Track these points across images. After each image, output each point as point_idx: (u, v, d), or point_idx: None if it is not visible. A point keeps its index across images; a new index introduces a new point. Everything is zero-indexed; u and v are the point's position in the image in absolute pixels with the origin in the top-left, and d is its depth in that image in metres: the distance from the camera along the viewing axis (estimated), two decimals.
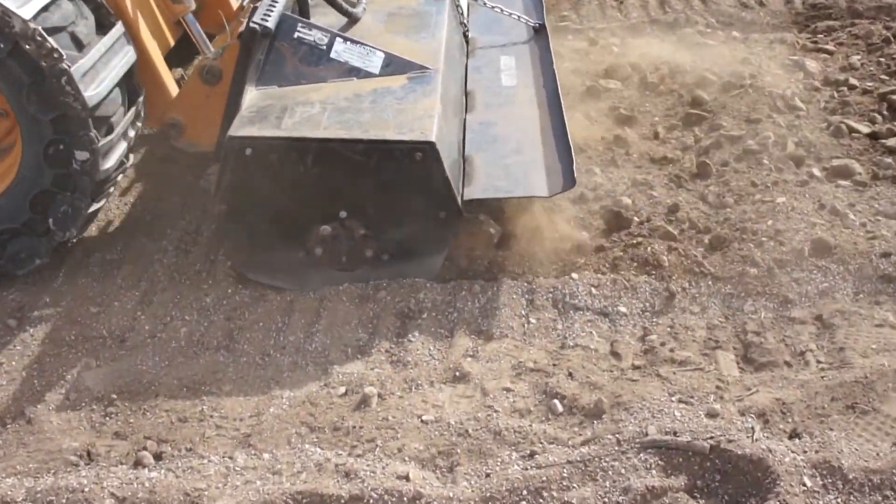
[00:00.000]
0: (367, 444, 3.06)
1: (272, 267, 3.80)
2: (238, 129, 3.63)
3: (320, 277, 3.77)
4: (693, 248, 3.92)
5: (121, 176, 4.14)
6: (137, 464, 3.01)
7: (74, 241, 4.03)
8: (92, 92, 3.62)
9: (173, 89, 4.18)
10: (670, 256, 3.87)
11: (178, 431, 3.15)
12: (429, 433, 3.07)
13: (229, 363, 3.46)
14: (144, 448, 3.08)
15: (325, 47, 4.02)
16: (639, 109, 5.10)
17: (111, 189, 4.10)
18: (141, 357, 3.50)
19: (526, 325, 3.58)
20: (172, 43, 4.34)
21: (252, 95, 3.86)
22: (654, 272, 3.81)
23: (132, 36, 3.97)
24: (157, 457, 3.06)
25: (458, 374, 3.33)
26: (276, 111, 3.73)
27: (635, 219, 4.10)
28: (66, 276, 3.98)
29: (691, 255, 3.87)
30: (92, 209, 3.88)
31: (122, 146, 3.92)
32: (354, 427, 3.12)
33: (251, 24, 3.82)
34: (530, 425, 3.07)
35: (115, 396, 3.30)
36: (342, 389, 3.29)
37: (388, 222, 3.70)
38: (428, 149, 3.53)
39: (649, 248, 3.90)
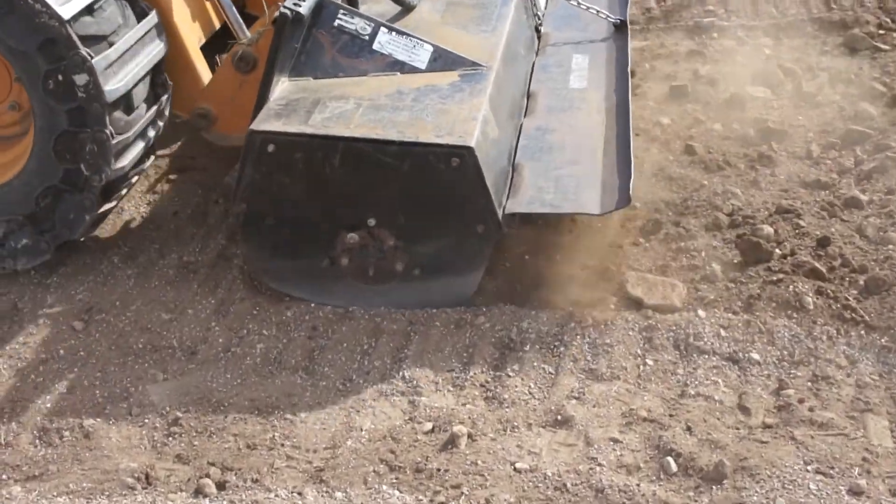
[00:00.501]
0: (452, 491, 2.98)
1: (294, 275, 3.79)
2: (261, 123, 3.61)
3: (345, 290, 3.75)
4: (845, 290, 3.68)
5: (136, 178, 4.18)
6: (198, 492, 3.01)
7: (82, 239, 4.10)
8: (113, 87, 3.66)
9: (206, 77, 4.18)
10: (816, 298, 3.64)
11: (246, 459, 3.13)
12: (522, 484, 2.98)
13: (307, 386, 3.44)
14: (207, 475, 3.07)
15: (367, 38, 3.96)
16: (790, 123, 4.86)
17: (124, 191, 4.13)
18: (212, 373, 3.52)
19: (641, 367, 3.44)
20: (217, 25, 4.35)
21: (284, 87, 3.83)
22: (795, 315, 3.59)
23: (166, 22, 4.00)
24: (220, 486, 3.04)
25: (559, 417, 3.23)
26: (306, 105, 3.70)
27: (777, 251, 3.89)
28: (139, 278, 4.04)
29: (842, 297, 3.63)
30: (101, 210, 3.93)
31: (140, 146, 3.95)
32: (439, 470, 3.05)
33: (282, 9, 3.76)
34: (638, 485, 2.94)
35: (180, 415, 3.31)
36: (429, 426, 3.23)
37: (421, 233, 3.65)
38: (466, 154, 3.47)
39: (791, 287, 3.69)
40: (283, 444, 3.18)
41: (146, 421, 3.31)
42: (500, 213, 3.61)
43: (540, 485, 2.97)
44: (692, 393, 3.32)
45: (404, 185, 3.57)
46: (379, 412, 3.31)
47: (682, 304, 3.70)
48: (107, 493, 3.01)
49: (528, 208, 3.68)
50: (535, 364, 3.47)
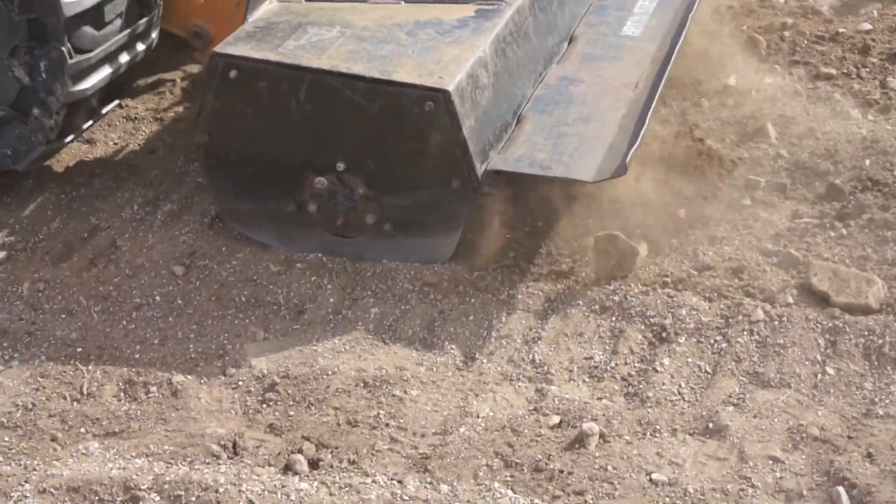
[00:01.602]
0: (574, 498, 2.89)
1: (258, 218, 3.87)
2: (226, 46, 3.64)
3: (312, 240, 3.83)
4: None
5: (107, 108, 4.20)
6: (288, 469, 3.01)
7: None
8: None
9: None
10: None
11: (345, 437, 3.12)
12: (656, 498, 2.87)
13: (422, 361, 3.42)
14: (300, 451, 3.07)
15: None
16: None
17: (89, 122, 4.15)
18: (318, 336, 3.53)
19: (819, 376, 3.25)
20: None
21: (269, 8, 3.85)
22: None
23: None
24: (313, 464, 3.04)
25: (711, 425, 3.10)
26: (286, 29, 3.75)
27: None
28: None
29: None
30: (56, 141, 3.97)
31: (106, 70, 3.94)
32: (562, 472, 2.97)
33: None
34: None
35: (277, 380, 3.32)
36: (555, 419, 3.16)
37: (393, 184, 3.69)
38: (441, 99, 3.47)
39: None
40: (387, 424, 3.16)
41: (240, 383, 3.34)
42: (479, 168, 3.58)
43: (678, 501, 2.84)
44: (880, 413, 3.12)
45: (375, 128, 3.60)
46: (500, 398, 3.26)
47: (878, 306, 3.48)
48: (189, 458, 3.05)
49: (511, 166, 3.67)
50: (690, 360, 3.36)
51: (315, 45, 3.69)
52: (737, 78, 4.90)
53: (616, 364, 3.36)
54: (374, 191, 3.71)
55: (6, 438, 3.12)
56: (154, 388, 3.32)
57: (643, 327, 3.48)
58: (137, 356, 3.46)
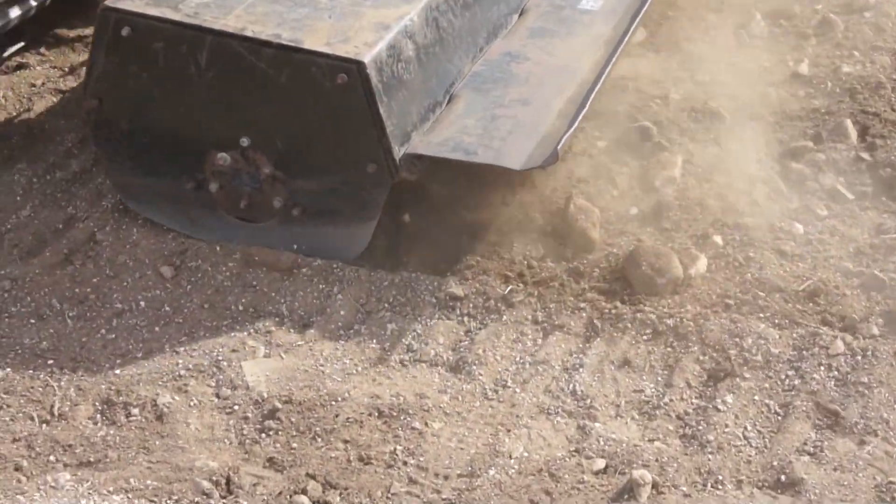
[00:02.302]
0: None
1: (153, 196, 3.84)
2: (119, 0, 3.60)
3: (214, 223, 3.80)
4: None
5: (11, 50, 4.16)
6: None
7: None
8: None
9: None
10: None
11: (356, 476, 2.98)
12: None
13: (447, 387, 3.29)
14: (304, 491, 2.93)
15: None
16: None
17: None
18: (327, 354, 3.40)
19: None
20: None
21: None
22: None
23: None
24: None
25: (783, 478, 2.97)
26: None
27: None
28: None
29: None
30: None
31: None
32: None
33: None
34: None
35: (279, 405, 3.18)
36: (600, 463, 3.04)
37: (303, 165, 3.67)
38: (355, 71, 3.43)
39: None
40: (405, 462, 3.03)
41: (236, 407, 3.19)
42: (398, 151, 3.55)
43: None
44: None
45: (282, 101, 3.56)
46: (536, 435, 3.14)
47: None
48: (175, 496, 2.89)
49: (433, 150, 3.63)
50: (757, 398, 3.24)
51: (222, 5, 3.65)
52: (809, 65, 4.70)
53: (670, 400, 3.23)
54: (281, 171, 3.67)
55: None
56: (136, 411, 3.16)
57: (702, 357, 3.35)
58: (118, 371, 3.31)
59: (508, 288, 3.59)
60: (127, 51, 3.60)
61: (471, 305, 3.56)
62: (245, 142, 3.63)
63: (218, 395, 3.23)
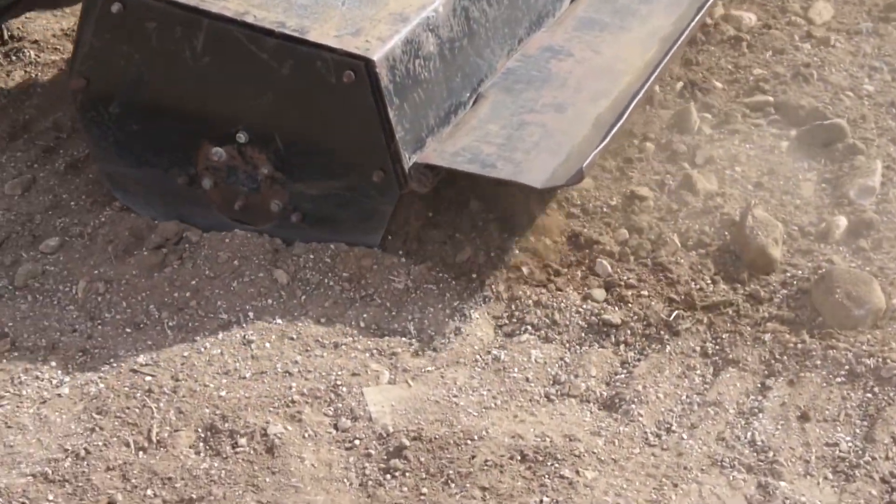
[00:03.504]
0: None
1: (142, 188, 3.87)
2: None
3: (207, 222, 3.82)
4: None
5: None
6: None
7: None
8: None
9: None
10: None
11: None
12: None
13: (601, 429, 3.17)
14: None
15: None
16: None
17: None
18: (461, 383, 3.30)
19: None
20: None
21: None
22: None
23: None
24: None
25: None
26: None
27: None
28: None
29: None
30: None
31: None
32: None
33: None
34: None
35: (406, 442, 3.09)
36: None
37: (304, 167, 3.67)
38: (362, 69, 3.42)
39: None
40: None
41: (357, 442, 3.10)
42: (408, 159, 3.53)
43: None
44: None
45: (284, 97, 3.57)
46: (708, 492, 2.99)
47: None
48: None
49: (446, 161, 3.60)
50: None
51: None
52: None
53: (872, 458, 3.05)
54: (281, 173, 3.69)
55: (50, 496, 2.92)
56: (243, 441, 3.08)
57: None
58: (223, 393, 3.23)
59: (673, 313, 3.47)
60: (117, 29, 3.62)
61: (628, 332, 3.44)
62: (242, 137, 3.65)
63: (336, 427, 3.14)
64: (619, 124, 3.55)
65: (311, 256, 3.67)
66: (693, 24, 4.04)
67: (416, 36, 3.56)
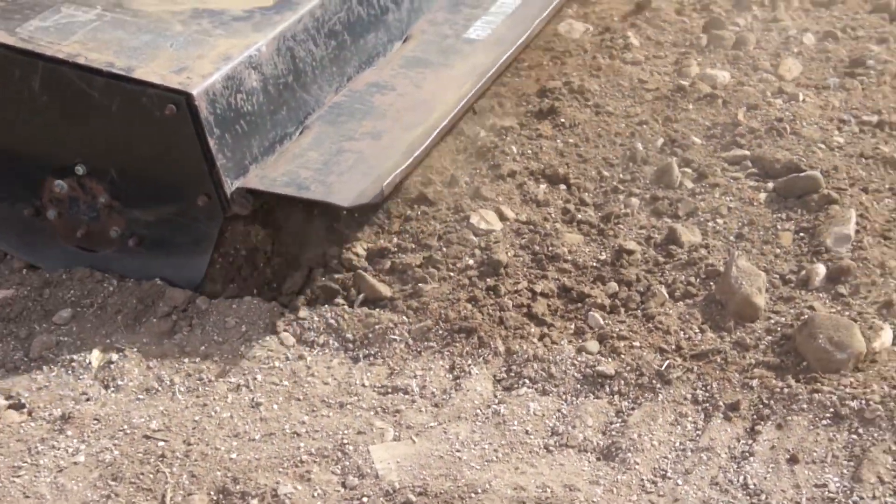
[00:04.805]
0: None
1: None
2: None
3: (55, 251, 3.84)
4: None
5: None
6: None
7: None
8: None
9: None
10: None
11: None
12: None
13: (599, 477, 3.04)
14: None
15: None
16: None
17: None
18: (463, 437, 3.17)
19: None
20: None
21: None
22: None
23: None
24: None
25: None
26: (37, 6, 3.78)
27: None
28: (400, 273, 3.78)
29: None
30: None
31: None
32: None
33: None
34: None
35: (413, 498, 2.96)
36: None
37: (138, 195, 3.69)
38: (184, 102, 3.46)
39: None
40: None
41: (365, 499, 2.97)
42: (230, 185, 3.57)
43: None
44: None
45: (116, 130, 3.60)
46: None
47: None
48: None
49: (265, 185, 3.64)
50: None
51: (62, 28, 3.71)
52: None
53: (861, 497, 2.92)
54: (117, 201, 3.72)
55: None
56: (255, 502, 2.96)
57: (894, 447, 3.03)
58: (234, 455, 3.11)
59: (664, 363, 3.34)
60: None
61: (622, 382, 3.31)
62: (81, 170, 3.68)
63: (344, 485, 3.01)
64: (420, 149, 3.74)
65: (316, 318, 3.57)
66: (499, 63, 4.26)
67: (238, 73, 3.62)
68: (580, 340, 3.47)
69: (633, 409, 3.24)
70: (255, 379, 3.38)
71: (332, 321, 3.56)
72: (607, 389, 3.30)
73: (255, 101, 3.70)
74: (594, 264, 3.76)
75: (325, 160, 3.75)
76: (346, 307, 3.61)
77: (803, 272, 3.62)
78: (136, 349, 3.50)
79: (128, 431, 3.20)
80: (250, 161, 3.68)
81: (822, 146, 4.20)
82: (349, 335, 3.52)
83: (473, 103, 4.12)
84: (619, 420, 3.21)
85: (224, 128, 3.56)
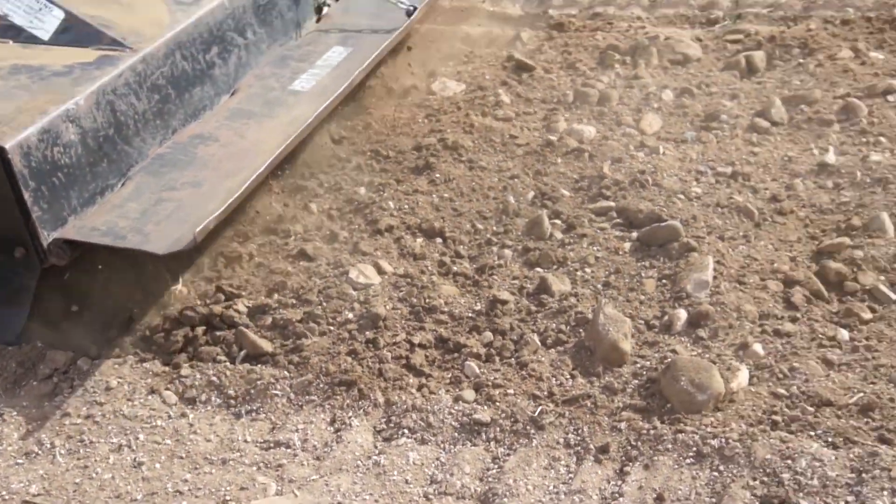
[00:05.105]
0: None
1: None
2: None
3: None
4: None
5: None
6: None
7: None
8: None
9: None
10: None
11: None
12: None
13: None
14: None
15: None
16: None
17: None
18: (345, 489, 3.16)
19: None
20: None
21: None
22: None
23: None
24: None
25: None
26: None
27: None
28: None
29: None
30: None
31: None
32: None
33: None
34: None
35: None
36: None
37: None
38: None
39: None
40: None
41: None
42: (47, 237, 3.53)
43: None
44: None
45: None
46: None
47: None
48: None
49: (83, 235, 3.60)
50: None
51: None
52: (836, 154, 4.56)
53: None
54: None
55: None
56: None
57: (752, 482, 3.08)
58: None
59: (538, 409, 3.37)
60: None
61: (497, 429, 3.32)
62: None
63: None
64: (234, 197, 3.71)
65: (199, 376, 3.53)
66: (316, 113, 4.29)
67: (55, 126, 3.58)
68: (457, 389, 3.48)
69: (508, 454, 3.25)
70: (138, 439, 3.33)
71: (214, 378, 3.52)
72: (483, 437, 3.31)
73: (73, 153, 3.66)
74: (470, 315, 3.79)
75: (143, 210, 3.71)
76: (227, 364, 3.59)
77: (666, 317, 3.70)
78: (15, 413, 3.42)
79: (6, 497, 3.12)
80: (69, 212, 3.64)
81: (682, 196, 4.31)
82: (231, 391, 3.48)
83: (285, 151, 4.13)
84: (496, 466, 3.22)
85: (40, 180, 3.51)
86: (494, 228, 4.25)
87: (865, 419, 3.26)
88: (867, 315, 3.68)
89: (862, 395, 3.33)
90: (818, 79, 5.25)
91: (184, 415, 3.42)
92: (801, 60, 5.47)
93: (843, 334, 3.59)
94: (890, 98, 4.98)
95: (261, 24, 4.69)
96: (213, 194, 3.78)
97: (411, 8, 5.03)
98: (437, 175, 4.57)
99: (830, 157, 4.54)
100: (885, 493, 3.01)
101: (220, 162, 4.00)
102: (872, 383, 3.38)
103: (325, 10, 5.03)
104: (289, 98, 4.45)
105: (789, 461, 3.11)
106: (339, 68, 4.65)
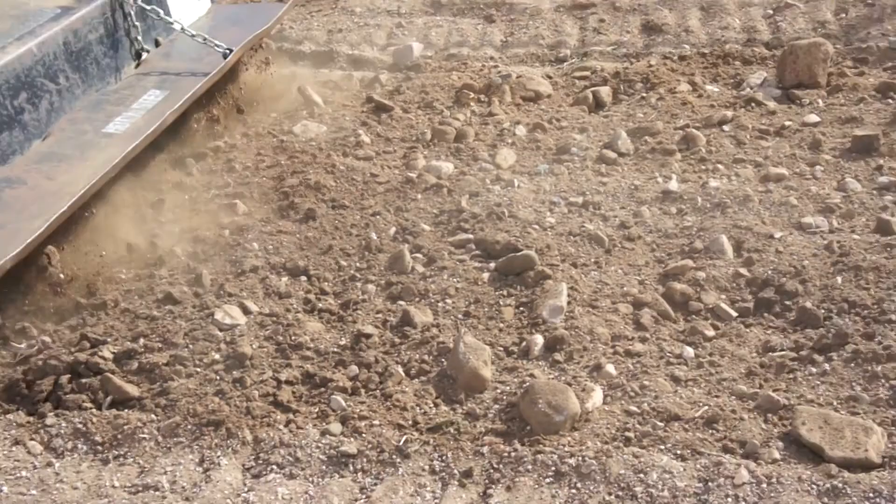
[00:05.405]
0: None
1: None
2: None
3: None
4: None
5: None
6: None
7: None
8: None
9: None
10: None
11: None
12: None
13: None
14: None
15: None
16: None
17: None
18: None
19: None
20: None
21: None
22: None
23: None
24: None
25: None
26: None
27: None
28: None
29: None
30: None
31: None
32: None
33: None
34: None
35: None
36: None
37: None
38: None
39: None
40: None
41: None
42: None
43: None
44: None
45: None
46: None
47: (880, 459, 3.20)
48: None
49: None
50: None
51: None
52: (678, 181, 4.70)
53: None
54: None
55: None
56: None
57: (608, 497, 3.15)
58: None
59: (403, 438, 3.38)
60: None
61: (364, 460, 3.32)
62: None
63: None
64: (32, 237, 3.69)
65: (64, 424, 3.46)
66: (122, 155, 4.24)
67: None
68: (324, 423, 3.48)
69: (375, 484, 3.25)
70: (2, 491, 3.24)
71: (80, 426, 3.45)
72: (351, 468, 3.31)
73: None
74: (335, 349, 3.80)
75: None
76: (94, 410, 3.53)
77: (524, 343, 3.77)
78: None
79: None
80: None
81: (536, 227, 4.40)
82: (98, 437, 3.42)
83: (93, 189, 4.09)
84: (364, 496, 3.22)
85: None
86: (358, 265, 4.27)
87: (710, 431, 3.36)
88: (710, 332, 3.80)
89: (707, 408, 3.43)
90: (660, 111, 5.42)
91: (49, 464, 3.34)
92: (644, 94, 5.64)
93: (689, 351, 3.70)
94: (725, 128, 5.17)
95: (74, 70, 4.62)
96: (12, 236, 3.73)
97: (227, 51, 5.03)
98: (301, 215, 4.58)
99: (673, 185, 4.69)
100: (730, 499, 3.10)
101: (24, 204, 3.95)
102: (716, 397, 3.50)
103: (144, 55, 4.99)
104: (101, 140, 4.41)
105: (641, 475, 3.19)
106: (154, 110, 4.62)
